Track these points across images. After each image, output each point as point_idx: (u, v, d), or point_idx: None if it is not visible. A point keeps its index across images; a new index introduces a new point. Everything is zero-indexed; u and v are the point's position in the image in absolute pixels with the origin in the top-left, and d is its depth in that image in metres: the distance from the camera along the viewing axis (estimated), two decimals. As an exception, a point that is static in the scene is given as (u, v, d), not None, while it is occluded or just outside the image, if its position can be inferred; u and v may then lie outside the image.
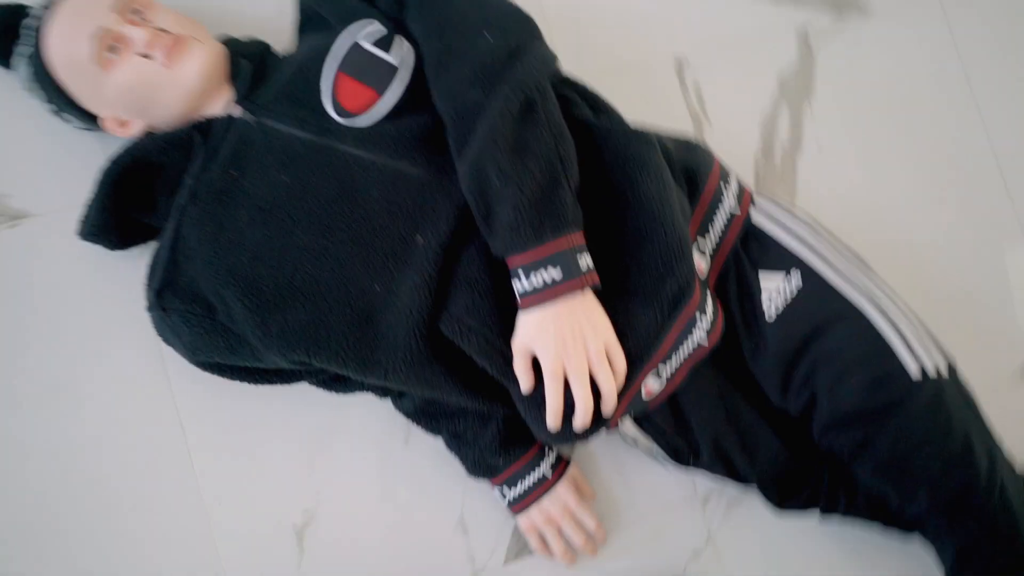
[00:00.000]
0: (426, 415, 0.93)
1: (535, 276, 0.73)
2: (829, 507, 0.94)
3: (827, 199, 1.07)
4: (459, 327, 0.78)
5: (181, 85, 0.81)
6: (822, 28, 1.11)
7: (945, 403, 0.82)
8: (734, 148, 1.03)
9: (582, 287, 0.73)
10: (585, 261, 0.74)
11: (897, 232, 1.09)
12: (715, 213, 0.87)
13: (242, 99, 0.83)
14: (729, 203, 0.88)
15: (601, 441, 0.99)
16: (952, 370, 0.85)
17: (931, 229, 1.10)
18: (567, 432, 0.79)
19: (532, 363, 0.77)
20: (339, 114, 0.80)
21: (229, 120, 0.83)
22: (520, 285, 0.74)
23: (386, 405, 0.96)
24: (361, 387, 0.92)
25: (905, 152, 1.11)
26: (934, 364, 0.83)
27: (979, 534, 0.83)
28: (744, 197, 0.89)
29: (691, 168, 0.88)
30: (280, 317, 0.79)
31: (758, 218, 0.89)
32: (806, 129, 1.10)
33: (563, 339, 0.74)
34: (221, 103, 0.84)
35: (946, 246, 1.10)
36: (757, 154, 1.09)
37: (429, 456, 0.97)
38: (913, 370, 0.82)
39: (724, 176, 0.90)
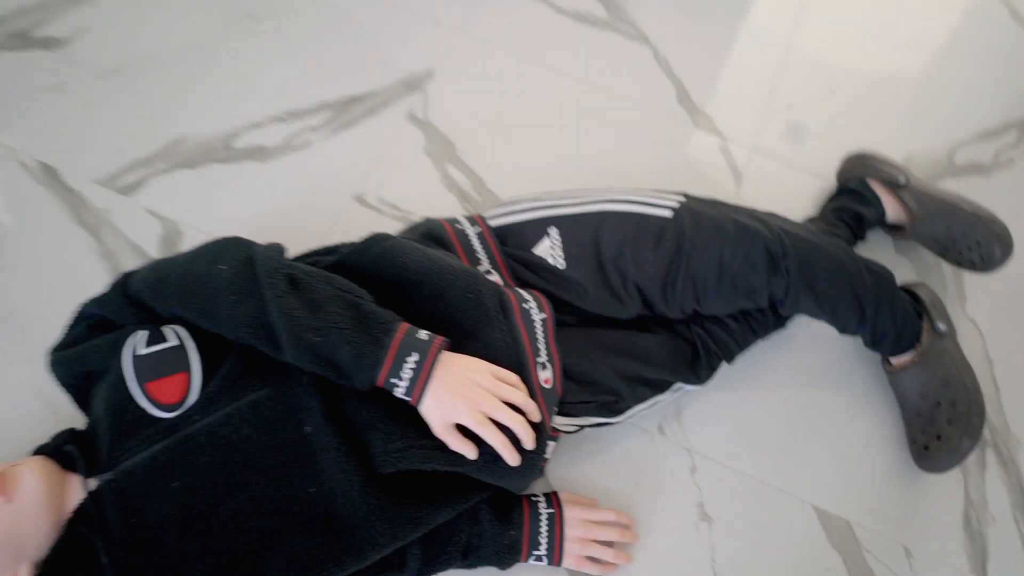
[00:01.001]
0: (432, 559, 0.93)
1: (403, 373, 0.81)
2: (727, 354, 1.09)
3: (527, 183, 1.27)
4: (392, 458, 0.83)
5: (33, 504, 0.79)
6: (415, 104, 1.37)
7: (700, 214, 1.01)
8: (447, 212, 1.21)
9: (438, 351, 0.83)
10: (425, 334, 0.84)
11: (579, 163, 1.35)
12: (470, 243, 1.02)
13: (90, 474, 0.83)
14: (471, 230, 1.04)
15: (558, 460, 1.07)
16: (685, 196, 1.06)
17: (587, 147, 1.38)
18: (527, 462, 0.86)
19: (461, 432, 0.84)
20: (170, 411, 0.83)
21: (94, 494, 0.82)
22: (400, 389, 0.81)
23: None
24: None
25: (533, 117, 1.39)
26: (672, 201, 1.03)
27: (802, 268, 1.00)
28: (476, 220, 1.06)
29: (429, 233, 1.03)
30: None
31: (496, 222, 1.05)
32: (472, 164, 1.32)
33: (462, 394, 0.82)
34: (76, 492, 0.83)
35: (613, 148, 1.37)
36: (465, 204, 1.29)
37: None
38: (665, 214, 1.01)
39: (453, 221, 1.06)
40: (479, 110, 1.38)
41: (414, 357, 0.81)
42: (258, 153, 1.30)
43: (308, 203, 1.26)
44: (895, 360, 1.13)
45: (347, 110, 1.35)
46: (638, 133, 1.39)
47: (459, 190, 1.30)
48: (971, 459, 1.13)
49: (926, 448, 1.07)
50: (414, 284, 0.92)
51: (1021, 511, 1.10)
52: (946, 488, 1.10)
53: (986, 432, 1.15)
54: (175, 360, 0.85)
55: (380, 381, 0.81)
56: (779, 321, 1.14)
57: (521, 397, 0.86)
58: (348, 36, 1.44)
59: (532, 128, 1.38)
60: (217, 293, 0.84)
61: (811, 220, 1.26)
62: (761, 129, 1.42)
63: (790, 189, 1.36)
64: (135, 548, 0.79)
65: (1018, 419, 1.17)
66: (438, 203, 1.27)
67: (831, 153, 1.36)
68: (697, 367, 1.06)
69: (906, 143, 1.43)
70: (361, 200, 1.27)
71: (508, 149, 1.35)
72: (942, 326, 1.12)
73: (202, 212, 1.23)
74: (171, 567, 0.79)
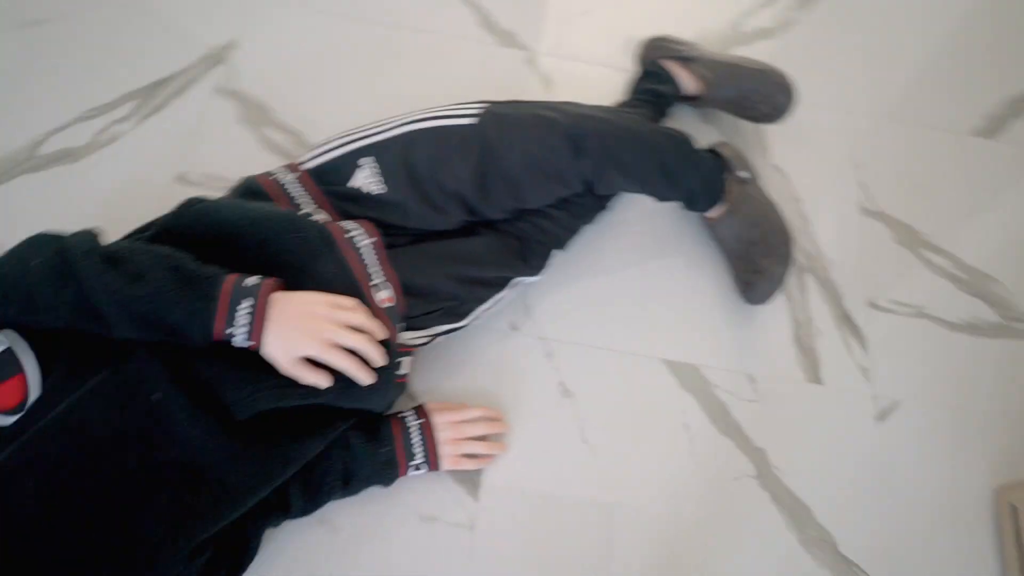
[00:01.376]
0: (314, 493, 0.98)
1: (238, 321, 0.83)
2: (556, 241, 1.16)
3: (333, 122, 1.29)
4: (245, 404, 0.86)
5: None
6: (221, 77, 1.37)
7: (501, 115, 1.06)
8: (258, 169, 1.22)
9: (270, 292, 0.86)
10: (254, 280, 0.86)
11: (396, 101, 1.37)
12: (288, 190, 1.05)
13: None
14: (287, 177, 1.06)
15: (419, 375, 1.13)
16: (488, 102, 1.11)
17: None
18: (381, 379, 0.91)
19: (309, 364, 0.87)
20: (12, 414, 0.83)
21: None
22: (238, 338, 0.84)
23: (289, 530, 1.01)
24: (259, 527, 0.96)
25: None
26: (475, 110, 1.08)
27: (603, 146, 1.07)
28: (291, 167, 1.08)
29: (247, 189, 1.05)
30: (143, 550, 0.82)
31: (310, 164, 1.08)
32: (289, 123, 1.34)
33: (301, 328, 0.86)
34: None
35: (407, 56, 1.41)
36: (268, 157, 1.31)
37: (347, 509, 1.05)
38: (469, 121, 1.06)
39: (267, 173, 1.08)
40: (288, 71, 1.39)
41: (247, 303, 0.84)
42: (67, 155, 1.27)
43: (130, 193, 1.25)
44: (710, 215, 1.23)
45: (153, 95, 1.34)
46: (448, 62, 1.44)
47: (281, 150, 1.31)
48: (793, 286, 1.25)
49: (749, 284, 1.18)
50: (235, 237, 0.94)
51: (842, 321, 1.23)
52: (775, 316, 1.23)
53: (803, 259, 1.27)
54: (7, 364, 0.85)
55: (217, 334, 0.83)
56: (599, 202, 1.21)
57: (360, 318, 0.89)
58: (140, 23, 1.41)
59: (344, 78, 1.40)
60: (34, 287, 0.83)
61: (617, 105, 1.34)
62: (563, 35, 1.49)
63: (597, 85, 1.43)
64: (5, 547, 0.80)
65: (827, 244, 1.30)
66: (262, 166, 1.25)
67: (628, 45, 1.45)
68: (529, 258, 1.13)
69: (696, 23, 1.53)
70: (183, 179, 1.27)
71: (324, 102, 1.37)
72: (744, 174, 1.22)
73: (21, 225, 1.18)
74: (47, 552, 0.80)
